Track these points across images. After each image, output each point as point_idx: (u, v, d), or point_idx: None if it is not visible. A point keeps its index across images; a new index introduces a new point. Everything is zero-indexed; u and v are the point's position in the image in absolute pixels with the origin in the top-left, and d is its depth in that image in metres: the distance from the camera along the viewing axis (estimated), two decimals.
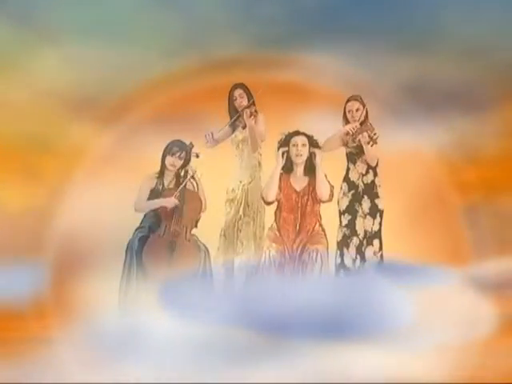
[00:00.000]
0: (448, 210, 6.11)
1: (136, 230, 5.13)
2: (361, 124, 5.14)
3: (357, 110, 5.18)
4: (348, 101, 5.24)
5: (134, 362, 4.33)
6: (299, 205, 5.03)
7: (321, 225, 5.12)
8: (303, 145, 5.09)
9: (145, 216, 5.19)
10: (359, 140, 5.09)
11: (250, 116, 5.32)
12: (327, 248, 5.02)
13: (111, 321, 4.76)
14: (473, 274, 5.12)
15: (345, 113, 5.28)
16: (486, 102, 6.29)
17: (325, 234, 5.09)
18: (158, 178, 5.21)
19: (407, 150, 5.48)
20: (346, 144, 5.24)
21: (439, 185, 6.11)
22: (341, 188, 5.25)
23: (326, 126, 5.53)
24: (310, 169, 5.11)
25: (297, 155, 5.09)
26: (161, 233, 5.05)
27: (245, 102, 5.47)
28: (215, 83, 6.13)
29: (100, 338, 4.61)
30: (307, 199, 5.05)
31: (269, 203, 5.12)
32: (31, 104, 6.31)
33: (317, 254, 4.87)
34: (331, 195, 5.07)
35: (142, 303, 4.83)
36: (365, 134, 5.02)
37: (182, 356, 4.43)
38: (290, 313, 4.48)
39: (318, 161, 5.00)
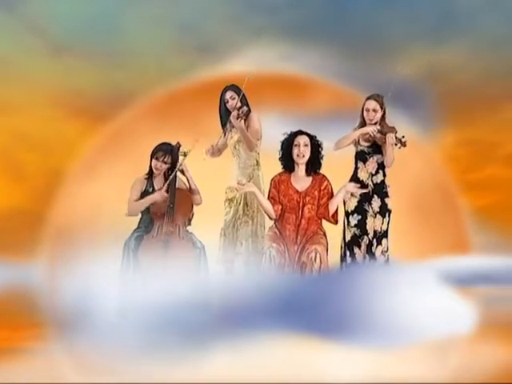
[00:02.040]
0: (452, 209, 6.17)
1: (134, 230, 5.20)
2: (379, 124, 5.11)
3: (374, 110, 5.09)
4: (367, 99, 5.14)
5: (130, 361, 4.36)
6: (300, 205, 5.05)
7: (321, 225, 5.13)
8: (305, 145, 5.07)
9: (142, 217, 5.24)
10: (380, 140, 5.07)
11: (238, 118, 5.26)
12: (327, 249, 5.01)
13: (108, 320, 4.82)
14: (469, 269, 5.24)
15: (362, 110, 5.17)
16: (498, 97, 6.20)
17: (324, 235, 5.09)
18: (147, 179, 5.27)
19: (411, 148, 5.28)
20: (356, 143, 5.19)
21: (443, 184, 6.19)
22: None
23: (327, 123, 5.59)
24: (313, 169, 5.12)
25: (298, 155, 5.07)
26: (154, 233, 5.13)
27: (237, 104, 5.37)
28: (213, 77, 6.16)
29: (98, 338, 4.63)
30: (309, 200, 5.07)
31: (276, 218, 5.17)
32: (19, 101, 6.19)
33: (316, 255, 4.87)
34: (335, 218, 5.11)
35: (140, 303, 4.88)
36: (391, 135, 4.97)
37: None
38: (273, 307, 4.57)
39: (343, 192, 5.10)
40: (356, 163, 5.21)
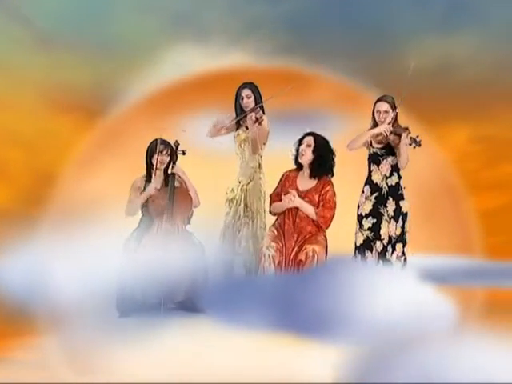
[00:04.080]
0: (458, 209, 6.19)
1: (134, 230, 5.20)
2: (392, 125, 5.12)
3: (385, 111, 5.10)
4: (378, 100, 5.16)
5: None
6: None
7: (319, 226, 5.18)
8: (308, 145, 5.19)
9: (142, 217, 5.26)
10: (393, 141, 5.09)
11: (255, 122, 5.35)
12: (326, 250, 5.10)
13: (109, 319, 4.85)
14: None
15: (373, 112, 5.18)
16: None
17: (324, 235, 5.17)
18: (146, 180, 5.27)
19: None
20: (369, 145, 5.20)
21: (450, 183, 6.20)
22: (362, 192, 5.22)
23: (329, 120, 5.69)
24: (316, 173, 5.22)
25: (301, 155, 5.21)
26: (154, 232, 5.15)
27: (251, 103, 5.44)
28: (210, 70, 6.14)
29: (96, 338, 4.58)
30: (306, 201, 5.16)
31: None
32: (3, 95, 6.04)
33: (313, 254, 4.97)
34: (328, 223, 5.19)
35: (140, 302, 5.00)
36: (406, 134, 5.01)
37: None
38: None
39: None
40: (369, 166, 5.22)
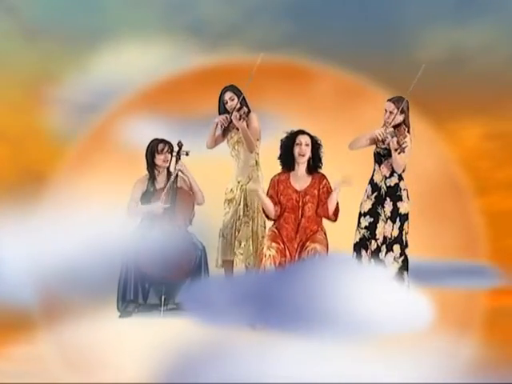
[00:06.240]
0: (464, 210, 6.15)
1: (134, 230, 5.26)
2: (396, 127, 5.19)
3: (390, 112, 5.18)
4: (388, 100, 5.21)
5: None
6: (300, 204, 5.24)
7: (321, 224, 5.30)
8: (306, 144, 5.27)
9: (142, 218, 5.34)
10: (388, 144, 5.18)
11: (240, 119, 5.45)
12: (327, 248, 5.18)
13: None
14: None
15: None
16: None
17: (325, 234, 5.26)
18: (148, 179, 5.36)
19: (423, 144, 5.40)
20: (375, 143, 5.28)
21: (457, 183, 6.15)
22: (366, 191, 5.32)
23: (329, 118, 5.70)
24: (314, 167, 5.33)
25: (299, 154, 5.26)
26: (154, 233, 5.20)
27: (237, 105, 5.53)
28: (207, 64, 6.08)
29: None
30: (309, 199, 5.24)
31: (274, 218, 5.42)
32: None
33: (315, 254, 5.04)
34: (336, 215, 5.30)
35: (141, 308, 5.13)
36: (394, 139, 5.10)
37: None
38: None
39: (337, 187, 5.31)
40: (374, 165, 5.31)
